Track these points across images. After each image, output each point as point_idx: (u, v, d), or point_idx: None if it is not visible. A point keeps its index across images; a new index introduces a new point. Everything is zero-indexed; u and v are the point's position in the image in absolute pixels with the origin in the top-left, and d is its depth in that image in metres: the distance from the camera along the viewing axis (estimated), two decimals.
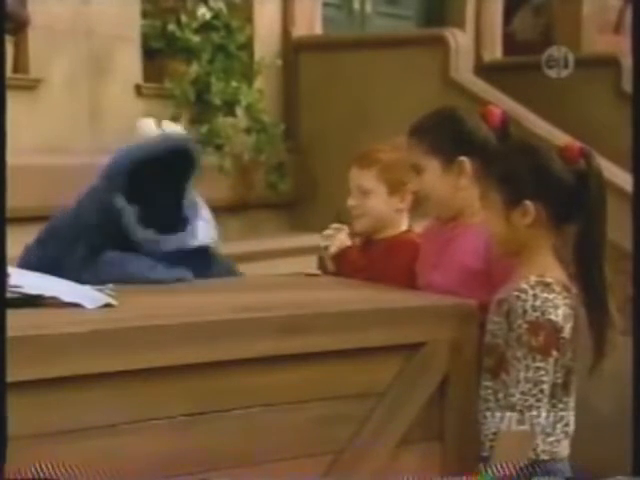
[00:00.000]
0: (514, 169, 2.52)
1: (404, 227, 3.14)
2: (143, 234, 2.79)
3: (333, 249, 3.16)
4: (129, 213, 2.80)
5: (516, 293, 2.44)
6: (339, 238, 3.17)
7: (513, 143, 2.73)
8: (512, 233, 2.51)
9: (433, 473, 2.50)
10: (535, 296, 2.42)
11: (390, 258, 3.02)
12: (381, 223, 3.10)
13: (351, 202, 3.12)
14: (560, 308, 2.43)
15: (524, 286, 2.43)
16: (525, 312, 2.41)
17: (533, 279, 2.44)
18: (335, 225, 3.22)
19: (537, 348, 2.40)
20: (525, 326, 2.41)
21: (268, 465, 2.28)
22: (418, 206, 3.07)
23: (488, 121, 2.78)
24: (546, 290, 2.43)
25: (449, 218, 2.83)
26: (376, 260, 3.04)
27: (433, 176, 2.79)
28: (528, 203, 2.49)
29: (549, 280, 2.45)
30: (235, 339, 2.23)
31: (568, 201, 2.50)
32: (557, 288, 2.45)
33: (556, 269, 2.50)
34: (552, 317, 2.41)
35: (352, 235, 3.20)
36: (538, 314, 2.41)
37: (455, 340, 2.50)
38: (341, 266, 3.13)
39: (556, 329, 2.41)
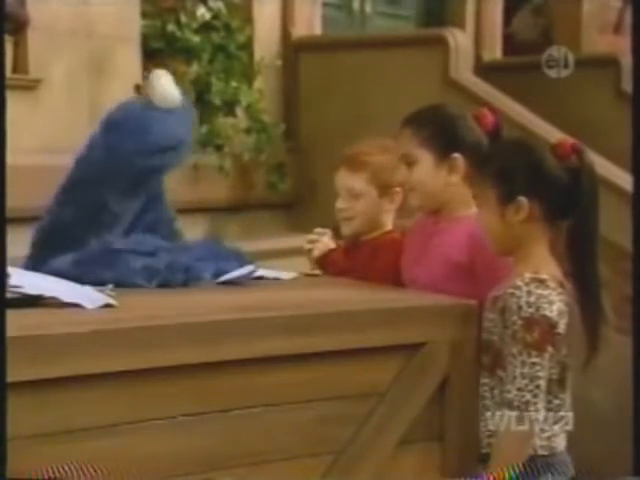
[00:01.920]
0: (508, 166, 2.53)
1: (389, 227, 3.14)
2: None
3: (317, 252, 3.17)
4: None
5: (511, 290, 2.44)
6: (322, 241, 3.18)
7: (507, 141, 2.74)
8: (507, 230, 2.52)
9: (433, 473, 2.50)
10: (529, 292, 2.42)
11: (374, 259, 3.02)
12: (370, 225, 3.10)
13: (341, 205, 3.12)
14: (555, 304, 2.43)
15: (519, 283, 2.44)
16: (520, 308, 2.42)
17: (528, 276, 2.45)
18: (319, 229, 3.22)
19: (532, 344, 2.41)
20: (520, 322, 2.42)
21: (268, 465, 2.28)
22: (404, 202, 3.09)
23: (481, 124, 2.80)
24: (541, 286, 2.44)
25: (432, 212, 2.85)
26: (360, 262, 3.04)
27: (425, 169, 2.80)
28: (522, 199, 2.50)
29: (544, 277, 2.45)
30: (235, 339, 2.23)
31: (562, 197, 2.51)
32: (552, 284, 2.45)
33: (551, 265, 2.51)
34: (547, 313, 2.42)
35: (337, 237, 3.21)
36: (533, 310, 2.41)
37: (455, 340, 2.50)
38: (325, 269, 3.14)
39: (551, 325, 2.42)
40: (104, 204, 2.71)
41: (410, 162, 2.82)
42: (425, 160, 2.80)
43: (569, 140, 2.58)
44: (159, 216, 2.86)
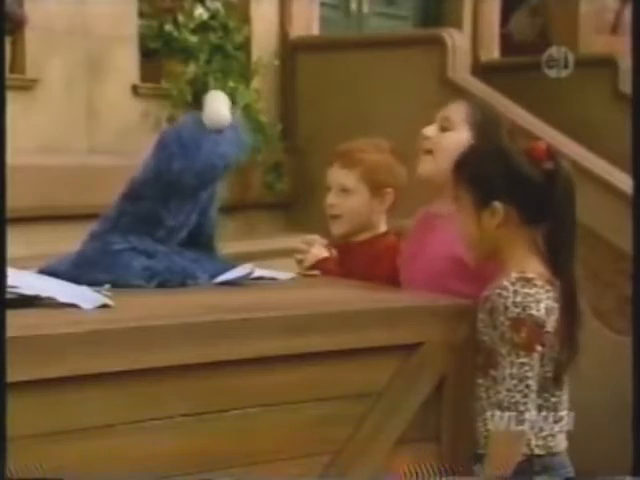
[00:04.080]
0: (484, 170, 2.53)
1: (383, 228, 3.13)
2: None
3: (307, 263, 3.14)
4: None
5: (498, 290, 2.45)
6: (312, 252, 3.15)
7: (482, 145, 2.72)
8: (483, 234, 2.53)
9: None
10: (516, 292, 2.43)
11: (373, 266, 3.00)
12: (359, 225, 3.09)
13: (331, 200, 3.11)
14: (542, 302, 2.43)
15: (505, 283, 2.45)
16: (507, 309, 2.42)
17: (514, 275, 2.45)
18: (307, 237, 3.20)
19: (520, 344, 2.41)
20: (507, 323, 2.42)
21: (266, 465, 2.28)
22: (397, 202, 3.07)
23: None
24: (527, 285, 2.44)
25: (436, 190, 2.82)
26: (358, 267, 3.02)
27: (456, 138, 2.76)
28: (497, 204, 2.50)
29: (531, 275, 2.46)
30: (233, 339, 2.23)
31: (538, 201, 2.51)
32: (539, 282, 2.45)
33: (538, 264, 2.51)
34: (534, 312, 2.42)
35: (328, 246, 3.18)
36: (519, 310, 2.41)
37: (452, 340, 2.50)
38: None
39: (538, 324, 2.42)
40: (160, 219, 2.74)
41: (446, 127, 2.79)
42: (462, 132, 2.77)
43: (543, 144, 2.58)
44: (201, 230, 2.88)
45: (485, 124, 2.77)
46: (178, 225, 2.77)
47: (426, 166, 2.82)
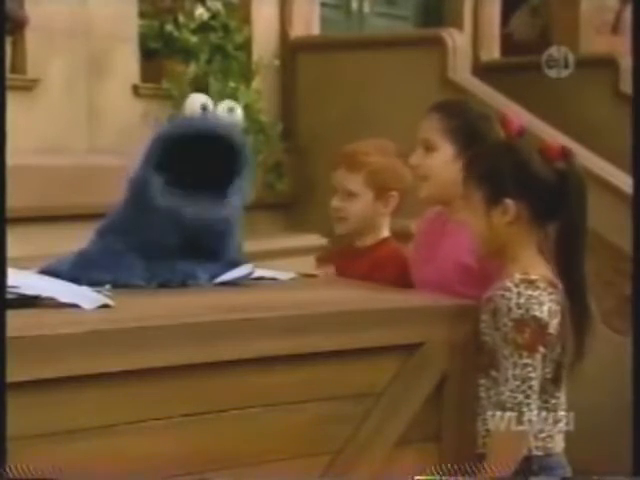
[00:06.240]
0: (495, 167, 2.53)
1: (386, 232, 3.14)
2: (166, 200, 2.67)
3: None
4: (155, 181, 2.69)
5: (501, 292, 2.45)
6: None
7: (493, 142, 2.73)
8: (493, 232, 2.53)
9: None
10: (519, 294, 2.43)
11: (374, 272, 3.00)
12: (363, 227, 3.10)
13: (336, 204, 3.12)
14: (545, 305, 2.43)
15: (508, 284, 2.45)
16: (510, 310, 2.42)
17: (517, 277, 2.45)
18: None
19: (523, 345, 2.41)
20: (510, 324, 2.42)
21: (267, 465, 2.28)
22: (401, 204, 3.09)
23: (506, 128, 2.76)
24: (530, 287, 2.44)
25: (440, 204, 2.83)
26: (360, 273, 3.03)
27: (443, 158, 2.78)
28: (508, 201, 2.50)
29: (534, 277, 2.46)
30: (233, 339, 2.23)
31: (548, 199, 2.52)
32: (542, 285, 2.45)
33: (541, 266, 2.51)
34: (537, 314, 2.42)
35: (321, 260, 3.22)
36: (522, 311, 2.42)
37: (453, 340, 2.50)
38: None
39: (541, 325, 2.42)
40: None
41: (429, 148, 2.80)
42: (445, 150, 2.78)
43: (558, 143, 2.58)
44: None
45: (468, 126, 2.78)
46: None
47: (425, 191, 2.85)
